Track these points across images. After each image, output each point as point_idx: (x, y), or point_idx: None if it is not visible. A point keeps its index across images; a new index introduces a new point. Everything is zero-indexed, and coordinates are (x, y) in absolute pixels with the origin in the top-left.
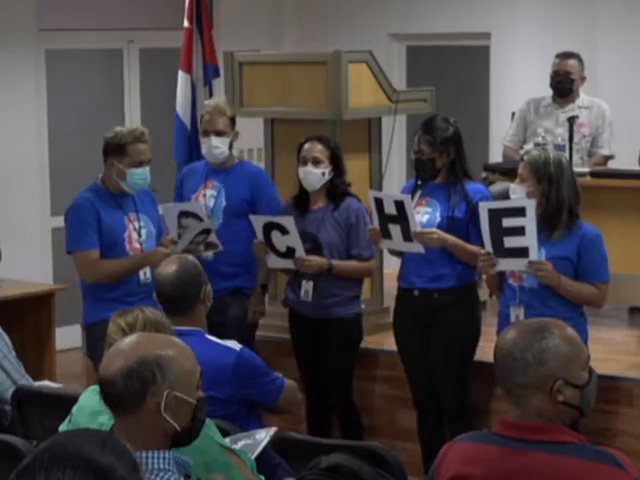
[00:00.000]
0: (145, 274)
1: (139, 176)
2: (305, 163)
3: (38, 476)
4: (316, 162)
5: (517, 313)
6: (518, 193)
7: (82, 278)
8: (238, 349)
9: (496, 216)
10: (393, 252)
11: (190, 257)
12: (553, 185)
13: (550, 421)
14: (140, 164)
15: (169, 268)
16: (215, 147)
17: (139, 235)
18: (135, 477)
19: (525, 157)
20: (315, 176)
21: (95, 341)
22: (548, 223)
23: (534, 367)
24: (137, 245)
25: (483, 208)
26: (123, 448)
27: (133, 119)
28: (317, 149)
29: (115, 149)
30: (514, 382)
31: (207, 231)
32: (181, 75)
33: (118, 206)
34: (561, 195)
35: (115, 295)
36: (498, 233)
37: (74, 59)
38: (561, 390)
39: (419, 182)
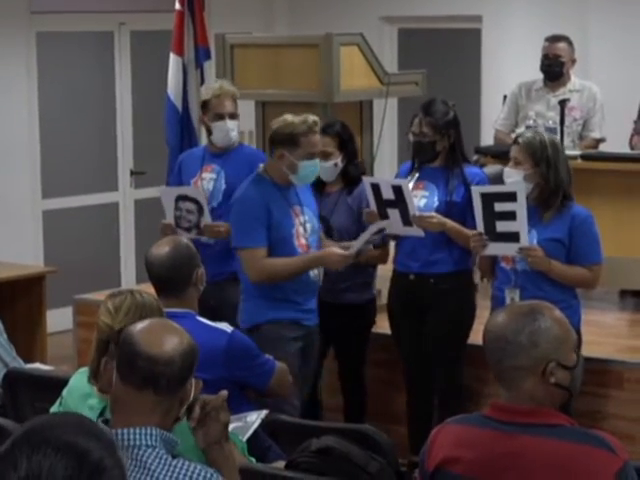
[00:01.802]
0: (314, 272)
1: (311, 168)
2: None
3: (19, 460)
4: (326, 155)
5: (512, 296)
6: (514, 177)
7: (246, 276)
8: (230, 331)
9: (488, 200)
10: (391, 236)
11: (184, 239)
12: (551, 167)
13: (541, 404)
14: (312, 156)
15: (161, 249)
16: (231, 129)
17: (304, 230)
18: (113, 456)
19: (519, 140)
20: (328, 170)
21: (263, 342)
22: (545, 205)
23: (527, 349)
24: (303, 241)
25: (476, 192)
26: (99, 430)
27: (124, 102)
28: (323, 142)
29: (286, 140)
30: (506, 365)
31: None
32: (172, 57)
33: (284, 199)
34: (559, 177)
35: (282, 294)
36: (490, 217)
37: (65, 41)
38: (553, 372)
39: (416, 165)
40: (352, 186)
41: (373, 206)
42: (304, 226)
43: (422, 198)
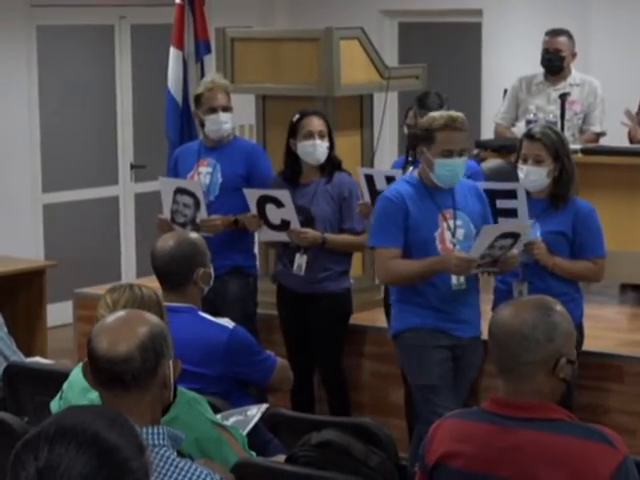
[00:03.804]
0: (458, 279)
1: (447, 167)
2: (311, 137)
3: (42, 450)
4: (322, 136)
5: (520, 289)
6: (537, 174)
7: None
8: (231, 327)
9: (490, 197)
10: None
11: (192, 236)
12: (570, 160)
13: (545, 398)
14: (449, 153)
15: (166, 243)
16: (225, 122)
17: (453, 235)
18: (140, 459)
19: (537, 136)
20: (323, 149)
21: (404, 349)
22: (561, 198)
23: (544, 345)
24: (450, 246)
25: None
26: (131, 429)
27: (124, 95)
28: (320, 123)
29: (424, 135)
30: (522, 360)
31: None
32: (172, 51)
33: (433, 201)
34: (573, 169)
35: (423, 301)
36: (492, 214)
37: (65, 35)
38: (563, 367)
39: (410, 158)
40: (330, 175)
41: (367, 197)
42: (453, 231)
43: None
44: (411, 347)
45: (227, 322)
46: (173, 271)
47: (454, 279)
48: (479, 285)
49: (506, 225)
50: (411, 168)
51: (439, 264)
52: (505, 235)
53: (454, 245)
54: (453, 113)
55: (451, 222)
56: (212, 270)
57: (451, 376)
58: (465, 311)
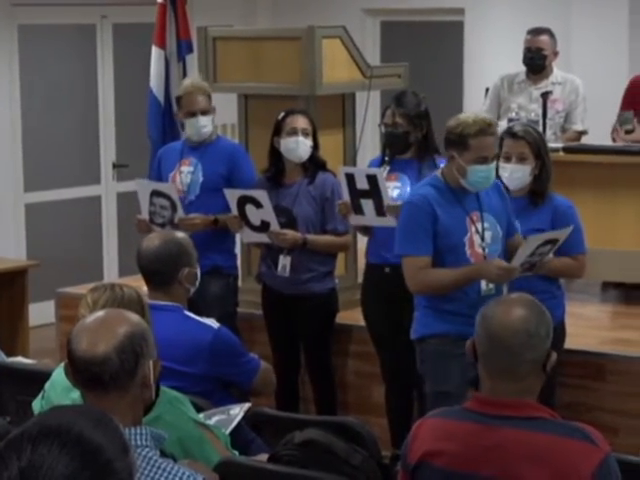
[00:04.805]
0: (487, 284)
1: (481, 174)
2: (295, 134)
3: (24, 450)
4: (306, 134)
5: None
6: (520, 172)
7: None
8: (216, 327)
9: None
10: (359, 229)
11: (178, 236)
12: (549, 158)
13: (532, 396)
14: (484, 160)
15: (152, 242)
16: (203, 126)
17: (482, 239)
18: (124, 459)
19: (520, 134)
20: (306, 147)
21: (426, 356)
22: (540, 196)
23: (544, 341)
24: (479, 250)
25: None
26: (116, 429)
27: (106, 94)
28: (305, 121)
29: (456, 141)
30: (524, 358)
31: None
32: (154, 50)
33: (459, 204)
34: (551, 166)
35: (452, 307)
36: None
37: (47, 34)
38: (551, 361)
39: (386, 158)
40: (313, 175)
41: (347, 197)
42: (481, 234)
43: (395, 189)
44: (433, 354)
45: (212, 322)
46: (158, 270)
47: (483, 285)
48: (506, 288)
49: (549, 234)
50: (387, 168)
51: (476, 272)
52: (546, 242)
53: (483, 249)
54: (486, 118)
55: (479, 225)
56: (198, 271)
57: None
58: None
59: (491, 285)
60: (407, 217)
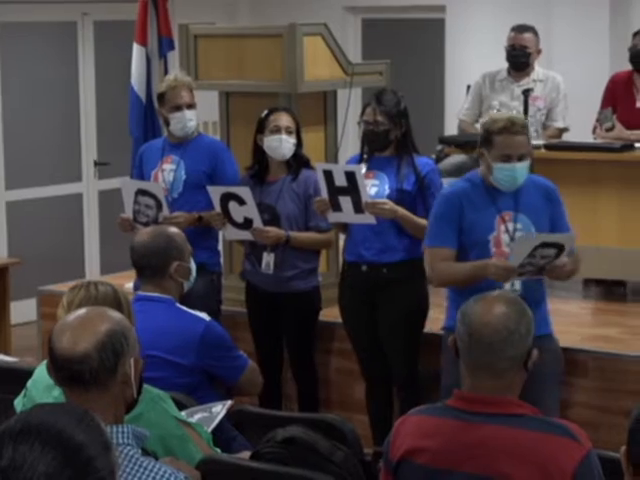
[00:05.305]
0: (512, 284)
1: (504, 172)
2: (278, 132)
3: (6, 448)
4: (289, 132)
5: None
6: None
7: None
8: (207, 319)
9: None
10: (337, 226)
11: (170, 230)
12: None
13: (513, 393)
14: (507, 158)
15: (143, 236)
16: (190, 120)
17: (511, 239)
18: (105, 457)
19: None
20: (289, 144)
21: (444, 346)
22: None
23: (525, 338)
24: (506, 250)
25: (446, 184)
26: (98, 427)
27: (87, 92)
28: (288, 119)
29: (483, 137)
30: (504, 355)
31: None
32: (136, 48)
33: (493, 202)
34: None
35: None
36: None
37: (28, 32)
38: (532, 358)
39: (365, 155)
40: (297, 172)
41: (324, 194)
42: (512, 234)
43: (373, 187)
44: (445, 346)
45: (204, 315)
46: (147, 263)
47: (507, 284)
48: (543, 287)
49: (545, 236)
50: (365, 166)
51: (480, 270)
52: (547, 245)
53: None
54: (513, 116)
55: (510, 225)
56: (192, 265)
57: None
58: None
59: (517, 285)
60: (436, 209)
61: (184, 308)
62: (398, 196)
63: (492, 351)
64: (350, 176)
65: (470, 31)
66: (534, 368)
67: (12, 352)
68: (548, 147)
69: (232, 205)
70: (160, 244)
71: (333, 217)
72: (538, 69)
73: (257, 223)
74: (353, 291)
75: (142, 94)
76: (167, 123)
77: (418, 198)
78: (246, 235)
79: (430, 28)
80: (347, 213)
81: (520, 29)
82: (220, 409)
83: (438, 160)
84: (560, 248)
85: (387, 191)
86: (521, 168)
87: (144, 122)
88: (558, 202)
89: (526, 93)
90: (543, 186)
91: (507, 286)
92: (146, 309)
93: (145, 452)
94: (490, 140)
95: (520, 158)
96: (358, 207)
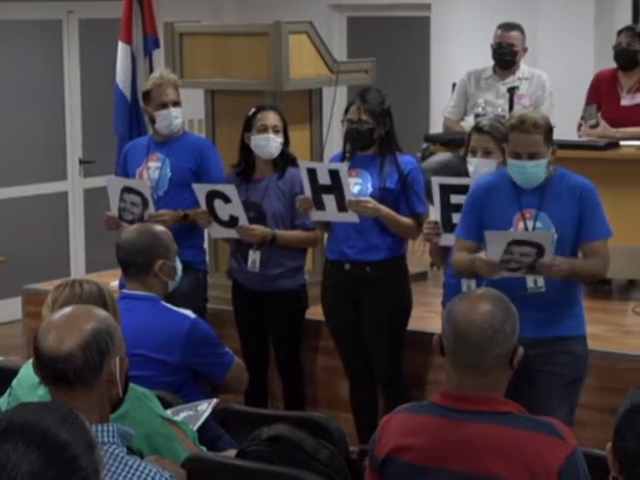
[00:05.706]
0: (536, 282)
1: (516, 169)
2: (265, 131)
3: None
4: (276, 130)
5: (468, 283)
6: (487, 167)
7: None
8: (193, 317)
9: (445, 192)
10: (320, 224)
11: (156, 228)
12: None
13: (500, 391)
14: (517, 156)
15: (128, 234)
16: (175, 117)
17: None
18: (90, 456)
19: (485, 129)
20: (277, 143)
21: None
22: None
23: (510, 336)
24: None
25: (435, 183)
26: (82, 425)
27: (73, 90)
28: (275, 118)
29: (505, 133)
30: (490, 354)
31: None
32: (121, 46)
33: (516, 198)
34: None
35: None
36: (447, 209)
37: (12, 30)
38: (518, 356)
39: (347, 154)
40: (283, 170)
41: (308, 192)
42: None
43: (356, 185)
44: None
45: (189, 313)
46: (133, 261)
47: (530, 282)
48: (574, 288)
49: (516, 234)
50: (348, 164)
51: (473, 263)
52: (521, 243)
53: None
54: (525, 114)
55: (529, 222)
56: (178, 264)
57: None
58: (532, 314)
59: (540, 282)
60: (465, 201)
61: (169, 306)
62: (381, 194)
63: (478, 350)
64: (334, 174)
65: (455, 29)
66: (545, 367)
67: None
68: None
69: (218, 203)
70: (146, 242)
71: (316, 215)
72: (523, 67)
73: (243, 221)
74: (336, 289)
75: (127, 92)
76: (153, 121)
77: (401, 196)
78: (232, 233)
79: (415, 26)
80: (330, 211)
81: (507, 27)
82: (206, 407)
83: (423, 158)
84: (539, 247)
85: (370, 189)
86: (532, 166)
87: (129, 120)
88: (590, 203)
89: (511, 91)
90: (578, 186)
91: (530, 283)
92: (131, 307)
93: (130, 451)
94: (507, 136)
95: (531, 156)
96: (341, 205)
